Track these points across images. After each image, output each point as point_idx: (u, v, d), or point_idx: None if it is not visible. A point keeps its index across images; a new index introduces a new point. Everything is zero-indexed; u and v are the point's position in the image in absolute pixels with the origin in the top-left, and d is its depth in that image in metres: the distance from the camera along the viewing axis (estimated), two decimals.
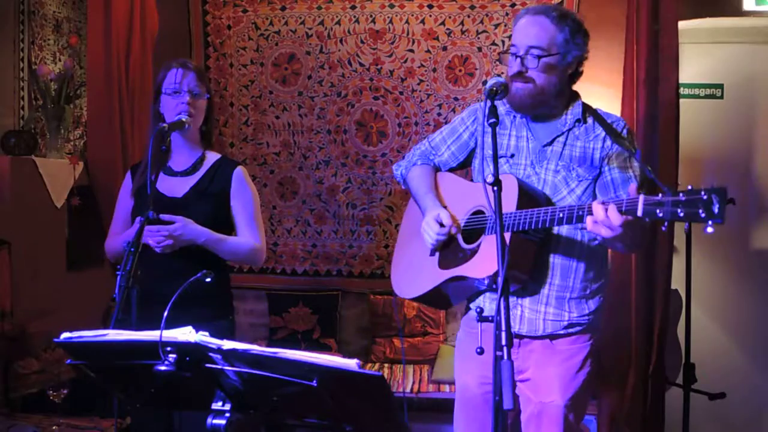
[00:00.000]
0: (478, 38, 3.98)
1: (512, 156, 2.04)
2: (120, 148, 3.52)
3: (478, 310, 1.61)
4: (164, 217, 2.19)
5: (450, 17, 3.99)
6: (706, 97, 4.11)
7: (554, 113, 2.02)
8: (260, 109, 4.18)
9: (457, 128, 2.20)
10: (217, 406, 1.48)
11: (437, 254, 2.09)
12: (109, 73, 3.48)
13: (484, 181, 1.62)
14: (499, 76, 1.96)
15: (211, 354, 1.39)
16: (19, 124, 3.47)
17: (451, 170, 2.24)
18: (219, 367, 1.41)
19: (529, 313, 2.00)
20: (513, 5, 3.92)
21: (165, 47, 3.80)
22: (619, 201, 1.64)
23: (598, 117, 2.02)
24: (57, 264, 3.45)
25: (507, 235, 1.84)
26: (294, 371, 1.34)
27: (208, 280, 1.76)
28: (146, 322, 1.65)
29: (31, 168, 3.29)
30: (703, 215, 1.46)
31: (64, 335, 1.47)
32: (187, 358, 1.40)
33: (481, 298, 2.09)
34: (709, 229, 1.46)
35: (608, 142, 1.98)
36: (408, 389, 3.57)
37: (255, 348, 1.35)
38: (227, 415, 1.46)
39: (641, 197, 1.58)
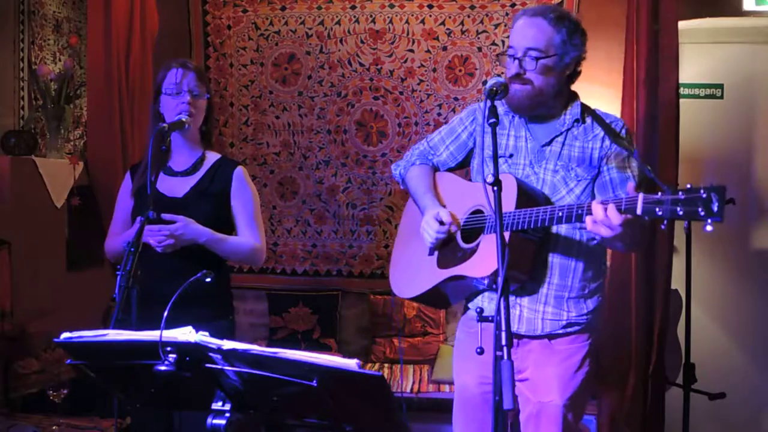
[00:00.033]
0: (478, 38, 3.98)
1: (511, 156, 2.05)
2: (120, 148, 3.52)
3: (478, 310, 1.61)
4: (166, 216, 2.19)
5: (450, 17, 3.99)
6: (706, 97, 4.11)
7: (553, 114, 2.03)
8: (260, 109, 4.18)
9: (455, 128, 2.20)
10: (217, 406, 1.48)
11: (436, 254, 2.09)
12: (109, 73, 3.48)
13: (484, 180, 1.62)
14: (499, 76, 1.96)
15: (211, 354, 1.39)
16: (19, 124, 3.47)
17: (450, 170, 2.25)
18: (219, 367, 1.41)
19: (527, 313, 2.00)
20: (513, 5, 3.92)
21: (165, 47, 3.80)
22: (618, 200, 1.65)
23: (597, 117, 2.03)
24: (57, 264, 3.45)
25: (506, 235, 1.84)
26: (294, 371, 1.34)
27: (208, 280, 1.76)
28: (146, 322, 1.65)
29: (31, 168, 3.29)
30: (702, 213, 1.46)
31: (64, 335, 1.47)
32: (187, 358, 1.40)
33: (479, 297, 2.09)
34: (708, 228, 1.46)
35: (607, 142, 1.99)
36: (408, 389, 3.58)
37: (255, 348, 1.35)
38: (227, 415, 1.46)
39: (640, 196, 1.58)
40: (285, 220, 4.19)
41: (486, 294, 2.07)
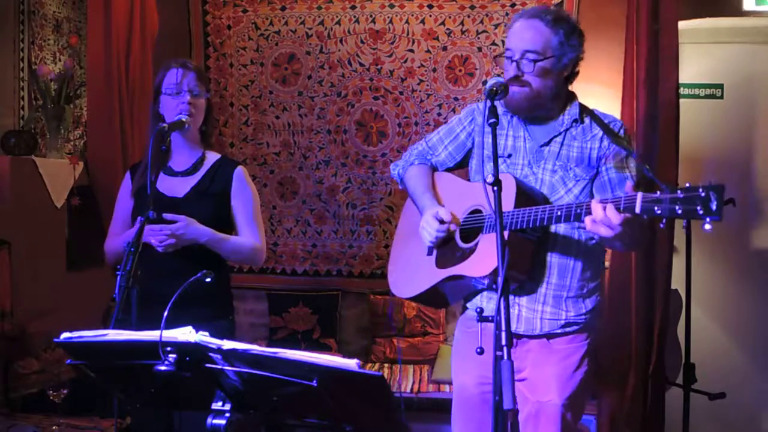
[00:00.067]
0: (478, 38, 3.98)
1: (509, 156, 2.05)
2: (120, 148, 3.52)
3: (478, 310, 1.61)
4: (167, 216, 2.19)
5: (450, 17, 3.99)
6: (706, 97, 4.11)
7: (551, 115, 2.03)
8: (260, 109, 4.18)
9: (454, 128, 2.20)
10: (217, 406, 1.48)
11: (434, 253, 2.09)
12: (109, 73, 3.48)
13: (484, 180, 1.62)
14: (499, 76, 1.96)
15: (211, 354, 1.39)
16: (19, 124, 3.47)
17: (449, 170, 2.25)
18: (219, 367, 1.41)
19: (526, 312, 2.00)
20: (513, 5, 3.92)
21: (165, 47, 3.80)
22: (617, 199, 1.65)
23: (595, 117, 2.03)
24: (57, 264, 3.45)
25: (505, 234, 1.84)
26: (294, 371, 1.34)
27: (208, 280, 1.76)
28: (146, 322, 1.65)
29: (31, 168, 3.29)
30: (701, 212, 1.46)
31: (64, 335, 1.47)
32: (187, 358, 1.40)
33: (478, 297, 2.10)
34: (707, 227, 1.46)
35: (605, 142, 1.99)
36: (408, 389, 3.58)
37: (255, 348, 1.35)
38: (227, 415, 1.46)
39: (639, 195, 1.58)
40: (285, 220, 4.19)
41: (484, 294, 2.07)
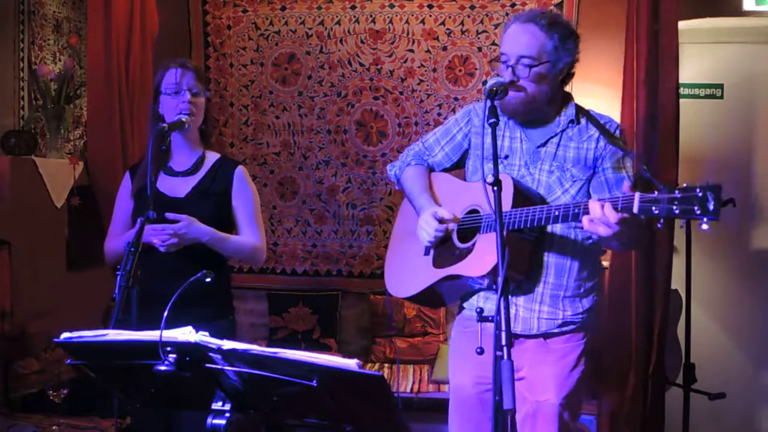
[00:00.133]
0: (478, 38, 3.98)
1: (506, 157, 2.05)
2: (120, 148, 3.52)
3: (478, 310, 1.61)
4: (169, 215, 2.20)
5: (450, 17, 3.99)
6: (706, 97, 4.11)
7: (547, 118, 2.03)
8: (260, 109, 4.18)
9: (450, 129, 2.20)
10: (217, 406, 1.48)
11: (431, 253, 2.09)
12: (109, 73, 3.48)
13: (484, 180, 1.62)
14: (499, 76, 1.96)
15: (211, 354, 1.39)
16: (19, 124, 3.47)
17: (445, 170, 2.25)
18: (219, 367, 1.41)
19: (523, 312, 2.00)
20: (513, 5, 3.92)
21: (165, 47, 3.80)
22: (615, 199, 1.65)
23: (591, 118, 2.03)
24: (57, 264, 3.45)
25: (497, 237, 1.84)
26: (294, 371, 1.34)
27: (208, 280, 1.76)
28: (146, 322, 1.64)
29: (31, 168, 3.29)
30: (698, 212, 1.46)
31: (64, 335, 1.46)
32: (187, 358, 1.40)
33: (475, 297, 2.10)
34: (704, 226, 1.46)
35: (602, 143, 1.99)
36: (408, 389, 3.58)
37: (255, 348, 1.35)
38: (227, 415, 1.46)
39: (637, 194, 1.58)
40: (285, 220, 4.19)
41: (481, 293, 2.08)
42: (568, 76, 2.01)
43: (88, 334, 1.45)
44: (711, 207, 1.45)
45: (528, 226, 1.83)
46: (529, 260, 1.96)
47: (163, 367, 1.38)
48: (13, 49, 3.47)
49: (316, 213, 4.17)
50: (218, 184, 2.38)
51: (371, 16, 4.05)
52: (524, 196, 1.93)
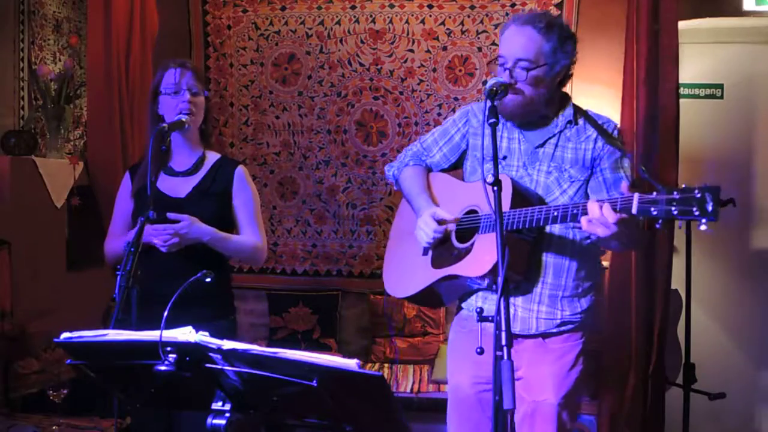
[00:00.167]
0: (478, 38, 3.98)
1: (504, 158, 2.05)
2: (120, 148, 3.52)
3: (478, 310, 1.61)
4: (171, 215, 2.20)
5: (450, 17, 3.99)
6: (706, 97, 4.11)
7: (545, 120, 2.03)
8: (260, 109, 4.18)
9: (448, 130, 2.20)
10: (217, 406, 1.48)
11: (430, 253, 2.09)
12: (109, 73, 3.48)
13: (484, 180, 1.62)
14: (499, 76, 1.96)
15: (211, 354, 1.39)
16: (19, 124, 3.47)
17: (443, 171, 2.25)
18: (219, 367, 1.41)
19: (522, 312, 2.00)
20: (513, 5, 3.92)
21: (165, 47, 3.80)
22: (613, 199, 1.66)
23: (589, 118, 2.04)
24: (57, 264, 3.45)
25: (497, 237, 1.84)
26: (294, 371, 1.34)
27: (208, 280, 1.76)
28: (146, 322, 1.64)
29: (31, 168, 3.29)
30: (696, 213, 1.47)
31: (64, 335, 1.46)
32: (187, 358, 1.40)
33: (473, 297, 2.10)
34: (703, 227, 1.47)
35: (599, 143, 1.99)
36: (408, 389, 3.58)
37: (255, 348, 1.35)
38: (227, 415, 1.46)
39: (636, 195, 1.59)
40: (285, 220, 4.19)
41: (480, 294, 2.08)
42: (566, 77, 2.01)
43: (88, 334, 1.45)
44: (710, 208, 1.46)
45: (527, 226, 1.84)
46: (528, 261, 1.96)
47: (163, 367, 1.38)
48: (13, 49, 3.47)
49: (316, 213, 4.17)
50: (219, 184, 2.38)
51: (371, 16, 4.05)
52: (523, 196, 1.93)
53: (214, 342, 1.36)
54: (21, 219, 3.24)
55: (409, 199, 2.20)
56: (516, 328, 1.99)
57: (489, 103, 1.70)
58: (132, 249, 1.84)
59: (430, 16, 4.00)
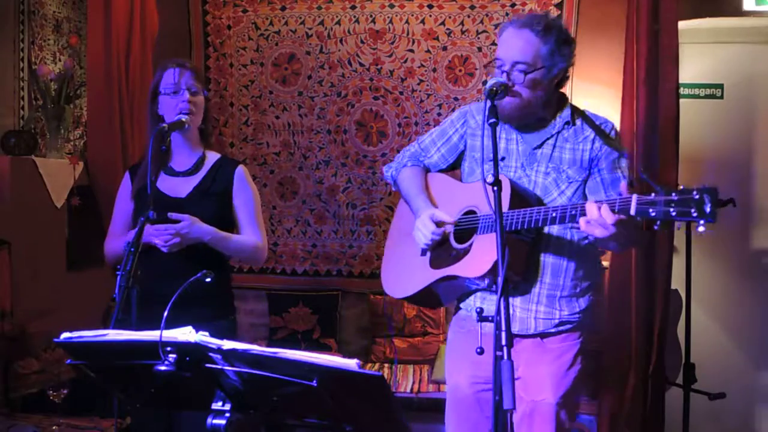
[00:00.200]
0: (478, 38, 3.98)
1: (503, 159, 2.05)
2: (120, 148, 3.52)
3: (479, 310, 1.62)
4: (172, 215, 2.20)
5: (450, 17, 3.99)
6: (706, 97, 4.11)
7: (543, 123, 2.03)
8: (260, 109, 4.18)
9: (446, 130, 2.20)
10: (217, 406, 1.48)
11: (428, 254, 2.09)
12: (109, 73, 3.48)
13: (484, 180, 1.62)
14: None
15: (211, 354, 1.39)
16: (19, 124, 3.47)
17: (441, 171, 2.25)
18: (219, 367, 1.41)
19: (520, 312, 2.01)
20: (513, 5, 3.92)
21: (165, 47, 3.80)
22: (612, 200, 1.66)
23: (587, 119, 2.04)
24: (57, 264, 3.45)
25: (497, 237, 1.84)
26: (294, 371, 1.34)
27: (208, 280, 1.76)
28: (146, 322, 1.64)
29: (31, 168, 3.29)
30: (695, 214, 1.47)
31: (64, 335, 1.46)
32: (187, 358, 1.40)
33: (472, 297, 2.10)
34: (701, 229, 1.47)
35: (597, 144, 2.00)
36: (408, 389, 3.58)
37: (255, 348, 1.35)
38: (227, 415, 1.46)
39: (634, 197, 1.59)
40: (285, 220, 4.19)
41: (478, 294, 2.08)
42: (564, 79, 2.02)
43: (88, 334, 1.45)
44: (708, 209, 1.46)
45: (525, 227, 1.84)
46: (526, 261, 1.97)
47: (163, 367, 1.38)
48: (13, 49, 3.47)
49: (316, 213, 4.17)
50: (219, 184, 2.38)
51: (371, 16, 4.05)
52: (521, 197, 1.94)
53: (214, 342, 1.36)
54: (21, 219, 3.24)
55: (408, 200, 2.20)
56: (514, 328, 1.99)
57: (489, 103, 1.70)
58: (132, 249, 1.84)
59: (430, 16, 4.00)
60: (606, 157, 1.99)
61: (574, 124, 2.02)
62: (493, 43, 3.96)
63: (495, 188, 1.60)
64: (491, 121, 1.67)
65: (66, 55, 3.75)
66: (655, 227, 1.57)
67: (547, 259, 1.99)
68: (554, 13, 3.80)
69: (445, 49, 4.01)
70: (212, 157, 2.43)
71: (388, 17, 4.03)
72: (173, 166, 2.39)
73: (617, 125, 3.31)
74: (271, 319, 4.06)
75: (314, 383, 1.31)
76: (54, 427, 2.82)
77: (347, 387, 1.36)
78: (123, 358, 1.49)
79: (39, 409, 3.00)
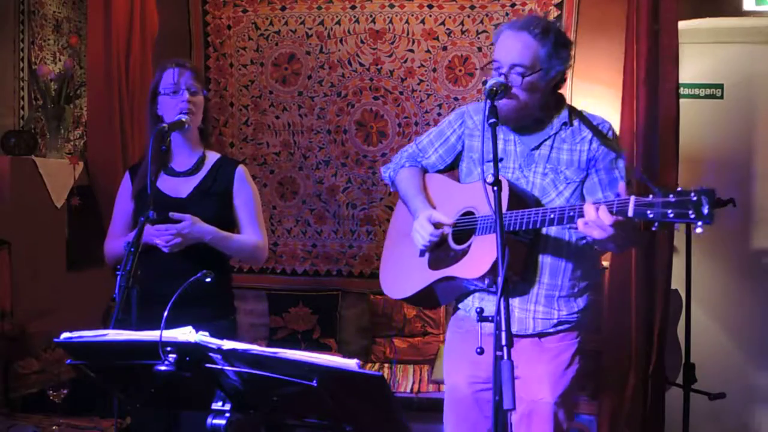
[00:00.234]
0: (478, 38, 3.98)
1: (501, 160, 2.05)
2: (120, 148, 3.52)
3: (479, 310, 1.62)
4: (174, 215, 2.20)
5: (450, 17, 3.99)
6: (706, 97, 4.11)
7: (540, 125, 2.03)
8: (260, 109, 4.18)
9: (444, 131, 2.20)
10: (217, 406, 1.48)
11: (427, 255, 2.10)
12: (109, 73, 3.48)
13: (484, 180, 1.62)
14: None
15: (211, 354, 1.39)
16: (19, 124, 3.47)
17: (439, 172, 2.25)
18: (219, 367, 1.41)
19: (518, 312, 2.01)
20: (513, 5, 3.92)
21: (165, 47, 3.80)
22: (610, 202, 1.66)
23: (584, 119, 2.04)
24: (57, 264, 3.45)
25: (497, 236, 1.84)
26: (294, 371, 1.34)
27: (208, 280, 1.76)
28: (146, 322, 1.65)
29: (31, 168, 3.29)
30: (692, 216, 1.48)
31: (64, 335, 1.47)
32: (187, 358, 1.40)
33: (470, 298, 2.10)
34: (699, 230, 1.48)
35: (594, 144, 2.00)
36: (408, 389, 3.58)
37: (255, 348, 1.35)
38: (227, 415, 1.46)
39: (632, 198, 1.60)
40: (285, 220, 4.19)
41: (476, 294, 2.08)
42: (561, 81, 2.02)
43: (88, 334, 1.45)
44: (705, 211, 1.47)
45: (523, 228, 1.84)
46: (524, 262, 1.97)
47: (163, 367, 1.38)
48: (13, 49, 3.47)
49: (316, 213, 4.17)
50: (219, 184, 2.38)
51: (371, 16, 4.05)
52: (519, 198, 1.94)
53: (214, 342, 1.36)
54: (21, 219, 3.24)
55: (406, 201, 2.20)
56: (513, 329, 1.99)
57: (489, 103, 1.70)
58: (132, 249, 1.85)
59: (430, 16, 4.00)
60: (603, 158, 1.99)
61: (571, 125, 2.02)
62: (493, 43, 3.95)
63: (495, 188, 1.60)
64: (491, 121, 1.67)
65: (66, 55, 3.75)
66: (653, 228, 1.57)
67: (546, 260, 2.00)
68: (554, 12, 3.80)
69: (445, 49, 4.01)
70: (212, 157, 2.44)
71: (388, 17, 4.03)
72: (173, 167, 2.39)
73: (617, 125, 3.33)
74: (271, 319, 4.06)
75: (314, 383, 1.31)
76: (54, 427, 2.82)
77: (347, 387, 1.36)
78: (123, 358, 1.49)
79: (39, 409, 3.00)
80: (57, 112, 3.46)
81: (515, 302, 2.00)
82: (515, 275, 1.94)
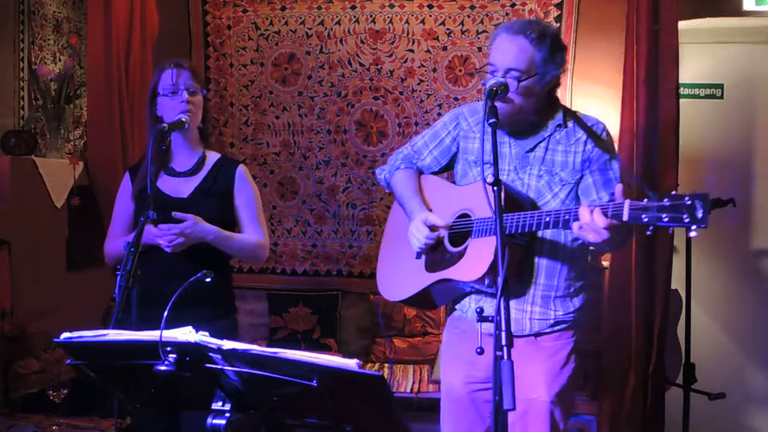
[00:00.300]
0: (478, 38, 3.98)
1: None
2: (120, 148, 3.52)
3: (479, 310, 1.62)
4: (176, 215, 2.20)
5: (450, 17, 3.99)
6: (706, 97, 4.11)
7: (535, 129, 2.03)
8: (260, 109, 4.18)
9: (439, 133, 2.20)
10: (217, 406, 1.48)
11: (423, 257, 2.10)
12: (109, 73, 3.48)
13: (484, 181, 1.62)
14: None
15: (211, 354, 1.39)
16: (19, 124, 3.47)
17: (434, 173, 2.25)
18: (219, 367, 1.41)
19: (515, 313, 2.00)
20: (513, 5, 3.92)
21: (165, 47, 3.80)
22: (605, 206, 1.67)
23: (579, 120, 2.04)
24: (57, 264, 3.45)
25: (493, 239, 1.83)
26: (294, 371, 1.34)
27: (208, 280, 1.76)
28: (146, 322, 1.65)
29: (31, 168, 3.29)
30: (686, 220, 1.50)
31: (64, 335, 1.47)
32: (187, 358, 1.40)
33: (467, 299, 2.10)
34: (693, 234, 1.49)
35: (589, 146, 2.00)
36: (408, 389, 3.58)
37: (255, 348, 1.35)
38: (227, 415, 1.46)
39: (627, 202, 1.60)
40: (285, 220, 4.19)
41: (473, 295, 2.08)
42: (556, 85, 2.01)
43: (88, 334, 1.45)
44: (699, 215, 1.48)
45: (519, 231, 1.84)
46: (521, 264, 1.97)
47: (163, 367, 1.38)
48: (13, 49, 3.47)
49: (316, 213, 4.17)
50: (220, 184, 2.38)
51: (371, 16, 4.05)
52: (514, 200, 1.94)
53: (214, 342, 1.37)
54: (21, 219, 3.24)
55: (401, 202, 2.20)
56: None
57: (489, 103, 1.70)
58: (132, 249, 1.85)
59: (430, 16, 4.00)
60: (598, 159, 1.99)
61: (565, 127, 2.02)
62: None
63: (495, 188, 1.60)
64: (491, 121, 1.66)
65: (66, 55, 3.75)
66: (648, 232, 1.58)
67: (541, 261, 2.00)
68: (554, 13, 3.80)
69: (445, 49, 4.01)
70: (212, 157, 2.44)
71: (388, 17, 4.03)
72: (174, 167, 2.39)
73: (617, 125, 3.33)
74: (271, 319, 4.06)
75: (314, 383, 1.31)
76: (54, 427, 2.83)
77: (347, 387, 1.36)
78: (123, 358, 1.49)
79: (39, 409, 3.01)
80: (57, 112, 3.46)
81: (512, 303, 2.00)
82: (512, 277, 1.94)
